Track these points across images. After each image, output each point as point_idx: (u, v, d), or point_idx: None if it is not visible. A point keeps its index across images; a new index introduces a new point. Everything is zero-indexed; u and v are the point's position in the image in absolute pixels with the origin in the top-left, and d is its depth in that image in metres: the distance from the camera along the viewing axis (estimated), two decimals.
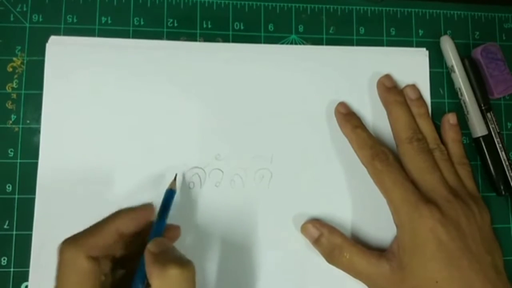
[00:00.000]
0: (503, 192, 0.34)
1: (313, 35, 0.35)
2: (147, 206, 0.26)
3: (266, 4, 0.35)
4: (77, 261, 0.22)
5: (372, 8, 0.36)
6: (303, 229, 0.31)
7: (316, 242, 0.31)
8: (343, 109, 0.33)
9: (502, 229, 0.34)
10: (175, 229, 0.28)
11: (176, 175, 0.30)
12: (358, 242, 0.31)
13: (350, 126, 0.32)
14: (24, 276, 0.30)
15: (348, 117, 0.32)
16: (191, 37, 0.34)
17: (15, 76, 0.32)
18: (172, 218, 0.31)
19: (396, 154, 0.32)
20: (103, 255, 0.23)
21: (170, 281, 0.22)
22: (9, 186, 0.31)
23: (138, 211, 0.26)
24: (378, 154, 0.30)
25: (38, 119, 0.31)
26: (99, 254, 0.23)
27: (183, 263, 0.22)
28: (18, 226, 0.31)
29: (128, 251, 0.26)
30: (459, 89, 0.34)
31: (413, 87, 0.34)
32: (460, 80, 0.34)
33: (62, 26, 0.33)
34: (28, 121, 0.32)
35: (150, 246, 0.24)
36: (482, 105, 0.34)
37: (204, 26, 0.34)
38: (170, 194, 0.29)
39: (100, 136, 0.31)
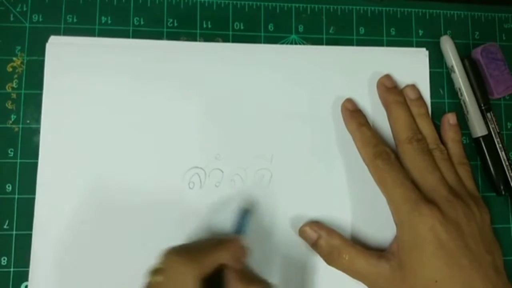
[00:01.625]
0: (503, 192, 0.34)
1: (313, 35, 0.35)
2: (239, 240, 0.26)
3: (266, 4, 0.35)
4: (190, 279, 0.21)
5: (372, 8, 0.36)
6: (301, 233, 0.31)
7: (315, 244, 0.31)
8: (350, 106, 0.33)
9: (502, 229, 0.34)
10: (247, 250, 0.27)
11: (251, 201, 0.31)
12: (358, 243, 0.31)
13: (355, 124, 0.32)
14: (24, 276, 0.30)
15: (354, 114, 0.32)
16: (191, 37, 0.34)
17: (15, 76, 0.32)
18: (172, 219, 0.31)
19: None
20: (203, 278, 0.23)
21: None
22: (9, 186, 0.31)
23: (237, 245, 0.25)
24: (381, 153, 0.30)
25: (38, 119, 0.31)
26: (205, 277, 0.22)
27: (267, 284, 0.23)
28: (18, 226, 0.31)
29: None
30: (459, 89, 0.34)
31: (413, 87, 0.34)
32: (460, 80, 0.34)
33: (62, 26, 0.33)
34: (28, 121, 0.32)
35: (234, 264, 0.24)
36: (482, 105, 0.34)
37: (204, 26, 0.34)
38: (246, 214, 0.29)
39: (100, 136, 0.31)
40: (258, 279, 0.23)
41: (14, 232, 0.31)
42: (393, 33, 0.35)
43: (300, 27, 0.35)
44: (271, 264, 0.31)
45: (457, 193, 0.30)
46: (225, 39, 0.34)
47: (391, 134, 0.33)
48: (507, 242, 0.34)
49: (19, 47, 0.32)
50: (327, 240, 0.30)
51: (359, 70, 0.34)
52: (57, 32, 0.32)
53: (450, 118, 0.33)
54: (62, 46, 0.32)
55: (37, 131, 0.31)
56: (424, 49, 0.35)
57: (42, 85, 0.31)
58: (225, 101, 0.33)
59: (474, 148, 0.35)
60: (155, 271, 0.23)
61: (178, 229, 0.31)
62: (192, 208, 0.31)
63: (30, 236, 0.30)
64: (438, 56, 0.35)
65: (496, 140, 0.34)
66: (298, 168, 0.32)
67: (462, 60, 0.34)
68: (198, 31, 0.34)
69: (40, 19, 0.33)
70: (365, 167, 0.31)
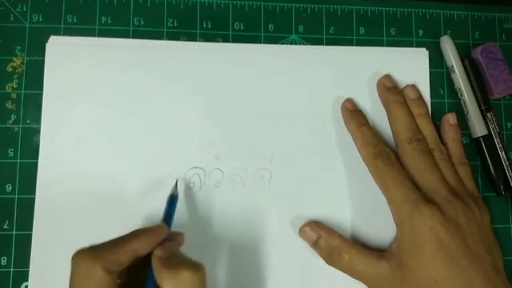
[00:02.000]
0: (503, 192, 0.34)
1: (313, 35, 0.35)
2: (162, 228, 0.26)
3: (266, 4, 0.35)
4: (95, 272, 0.22)
5: (372, 8, 0.36)
6: (301, 232, 0.31)
7: (315, 244, 0.31)
8: (350, 106, 0.33)
9: (502, 229, 0.34)
10: (180, 236, 0.28)
11: (176, 181, 0.30)
12: (358, 243, 0.31)
13: (355, 123, 0.32)
14: (24, 276, 0.30)
15: (354, 114, 0.32)
16: (191, 37, 0.34)
17: (15, 76, 0.32)
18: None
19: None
20: (117, 270, 0.23)
21: (183, 284, 0.22)
22: (9, 186, 0.31)
23: (154, 233, 0.25)
24: (381, 154, 0.30)
25: (38, 119, 0.31)
26: (114, 269, 0.23)
27: (195, 265, 0.23)
28: (18, 226, 0.31)
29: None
30: (459, 89, 0.34)
31: (413, 87, 0.34)
32: (460, 80, 0.34)
33: (62, 26, 0.33)
34: (28, 121, 0.32)
35: (158, 251, 0.24)
36: (482, 105, 0.34)
37: (204, 26, 0.34)
38: (172, 200, 0.29)
39: (100, 136, 0.31)
40: (187, 264, 0.23)
41: (14, 232, 0.31)
42: (393, 33, 0.35)
43: (300, 27, 0.35)
44: (271, 264, 0.31)
45: (457, 193, 0.30)
46: (225, 39, 0.34)
47: (391, 134, 0.33)
48: (507, 242, 0.34)
49: (19, 47, 0.32)
50: (327, 240, 0.30)
51: (359, 70, 0.34)
52: (57, 32, 0.32)
53: (450, 118, 0.33)
54: (62, 46, 0.32)
55: (37, 131, 0.31)
56: (424, 49, 0.35)
57: (42, 85, 0.31)
58: (225, 101, 0.33)
59: (474, 148, 0.35)
60: None
61: (178, 229, 0.31)
62: (192, 208, 0.31)
63: (30, 236, 0.30)
64: (438, 56, 0.35)
65: (496, 140, 0.34)
66: (298, 168, 0.32)
67: (462, 60, 0.34)
68: (198, 31, 0.34)
69: (40, 19, 0.33)
70: (365, 167, 0.31)
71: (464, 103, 0.34)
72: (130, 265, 0.24)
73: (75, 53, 0.32)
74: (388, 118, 0.33)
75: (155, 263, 0.23)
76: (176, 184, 0.30)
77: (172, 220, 0.28)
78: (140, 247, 0.24)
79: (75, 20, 0.33)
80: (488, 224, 0.30)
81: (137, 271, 0.25)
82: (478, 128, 0.34)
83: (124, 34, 0.33)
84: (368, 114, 0.34)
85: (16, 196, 0.31)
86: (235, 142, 0.32)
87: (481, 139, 0.34)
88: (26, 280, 0.30)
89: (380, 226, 0.32)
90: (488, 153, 0.34)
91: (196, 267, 0.23)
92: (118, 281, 0.24)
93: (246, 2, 0.34)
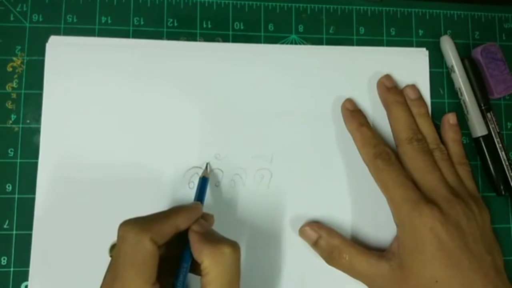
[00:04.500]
0: (503, 192, 0.34)
1: (313, 35, 0.35)
2: (198, 205, 0.28)
3: (266, 4, 0.35)
4: (143, 243, 0.23)
5: (372, 8, 0.36)
6: (301, 232, 0.31)
7: (315, 244, 0.31)
8: (350, 106, 0.33)
9: (502, 229, 0.34)
10: (211, 216, 0.29)
11: (207, 164, 0.31)
12: (358, 243, 0.31)
13: (355, 124, 0.32)
14: (24, 276, 0.30)
15: (354, 114, 0.32)
16: (191, 37, 0.34)
17: (15, 76, 0.32)
18: None
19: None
20: (162, 242, 0.24)
21: (223, 259, 0.23)
22: (9, 186, 0.31)
23: (193, 209, 0.26)
24: (381, 154, 0.30)
25: (38, 119, 0.31)
26: (160, 240, 0.23)
27: (234, 243, 0.24)
28: (18, 226, 0.31)
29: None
30: (459, 89, 0.34)
31: (413, 87, 0.34)
32: (460, 80, 0.34)
33: (62, 26, 0.33)
34: (28, 121, 0.32)
35: (196, 227, 0.25)
36: (482, 105, 0.34)
37: (204, 26, 0.34)
38: (204, 181, 0.30)
39: (100, 136, 0.31)
40: (226, 241, 0.24)
41: (14, 232, 0.31)
42: (393, 33, 0.35)
43: (300, 27, 0.35)
44: (271, 264, 0.31)
45: (457, 193, 0.30)
46: (225, 39, 0.34)
47: (391, 134, 0.33)
48: (507, 242, 0.34)
49: (19, 47, 0.32)
50: (327, 240, 0.30)
51: (359, 70, 0.34)
52: (57, 32, 0.32)
53: (450, 118, 0.33)
54: (62, 46, 0.32)
55: (37, 131, 0.31)
56: (424, 49, 0.35)
57: (42, 85, 0.31)
58: (225, 101, 0.33)
59: (474, 148, 0.35)
60: (113, 247, 0.24)
61: None
62: None
63: (30, 236, 0.30)
64: (438, 56, 0.35)
65: (496, 140, 0.34)
66: (298, 168, 0.32)
67: (462, 60, 0.34)
68: (198, 31, 0.34)
69: (40, 19, 0.33)
70: (365, 167, 0.31)
71: (464, 103, 0.34)
72: (167, 241, 0.24)
73: (75, 53, 0.32)
74: (388, 118, 0.33)
75: (193, 238, 0.24)
76: (206, 167, 0.31)
77: (204, 200, 0.29)
78: (181, 222, 0.25)
79: (75, 20, 0.33)
80: (488, 224, 0.30)
81: (172, 247, 0.25)
82: (478, 128, 0.34)
83: (124, 34, 0.33)
84: (368, 114, 0.34)
85: (16, 196, 0.31)
86: (235, 142, 0.32)
87: (481, 139, 0.34)
88: (26, 280, 0.30)
89: (380, 226, 0.32)
90: (488, 153, 0.34)
91: (234, 244, 0.24)
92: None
93: (246, 2, 0.34)
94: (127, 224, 0.24)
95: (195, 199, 0.29)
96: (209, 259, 0.23)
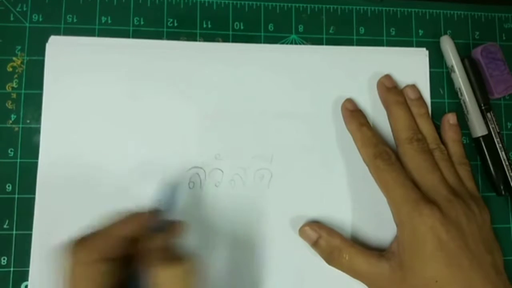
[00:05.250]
0: (503, 192, 0.34)
1: (313, 35, 0.35)
2: (150, 210, 0.26)
3: (266, 4, 0.35)
4: (92, 262, 0.22)
5: (372, 8, 0.36)
6: (301, 232, 0.31)
7: (315, 244, 0.31)
8: (350, 106, 0.33)
9: (502, 229, 0.34)
10: (179, 225, 0.28)
11: (177, 172, 0.31)
12: (358, 243, 0.31)
13: (356, 123, 0.32)
14: (24, 276, 0.30)
15: (354, 114, 0.32)
16: (191, 37, 0.34)
17: (15, 76, 0.32)
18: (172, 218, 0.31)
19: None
20: (111, 258, 0.23)
21: (173, 277, 0.22)
22: (9, 186, 0.31)
23: (142, 215, 0.25)
24: (381, 154, 0.30)
25: (38, 119, 0.31)
26: (109, 256, 0.23)
27: (186, 258, 0.23)
28: (18, 226, 0.31)
29: (126, 252, 0.26)
30: (459, 89, 0.34)
31: (413, 87, 0.34)
32: (460, 80, 0.34)
33: (62, 26, 0.33)
34: (28, 121, 0.32)
35: (151, 243, 0.24)
36: (482, 105, 0.34)
37: (204, 26, 0.34)
38: (171, 190, 0.29)
39: (100, 136, 0.31)
40: (178, 256, 0.23)
41: (14, 232, 0.31)
42: (393, 33, 0.35)
43: (300, 27, 0.35)
44: (271, 264, 0.31)
45: (457, 193, 0.30)
46: (225, 39, 0.34)
47: (391, 134, 0.33)
48: (507, 242, 0.34)
49: (19, 47, 0.32)
50: (327, 240, 0.30)
51: (359, 70, 0.34)
52: (57, 32, 0.32)
53: (450, 118, 0.33)
54: (62, 46, 0.32)
55: (37, 131, 0.31)
56: (424, 49, 0.35)
57: (42, 85, 0.31)
58: (225, 101, 0.33)
59: (474, 148, 0.35)
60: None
61: None
62: (192, 208, 0.31)
63: (30, 236, 0.30)
64: (438, 56, 0.35)
65: (496, 140, 0.34)
66: (298, 168, 0.32)
67: (462, 60, 0.34)
68: (198, 31, 0.34)
69: (40, 19, 0.33)
70: (365, 167, 0.31)
71: (464, 103, 0.34)
72: (129, 252, 0.24)
73: (75, 53, 0.32)
74: (388, 118, 0.33)
75: (146, 254, 0.23)
76: (176, 176, 0.30)
77: (171, 209, 0.28)
78: (128, 231, 0.24)
79: (75, 20, 0.33)
80: (488, 224, 0.30)
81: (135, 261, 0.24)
82: (478, 128, 0.34)
83: (124, 34, 0.33)
84: (368, 114, 0.34)
85: (16, 196, 0.31)
86: (235, 142, 0.32)
87: (481, 139, 0.34)
88: (26, 280, 0.30)
89: (380, 226, 0.32)
90: (488, 153, 0.34)
91: (187, 259, 0.23)
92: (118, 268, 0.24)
93: (246, 2, 0.34)
94: (74, 244, 0.23)
95: (157, 211, 0.27)
96: (160, 277, 0.22)
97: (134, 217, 0.25)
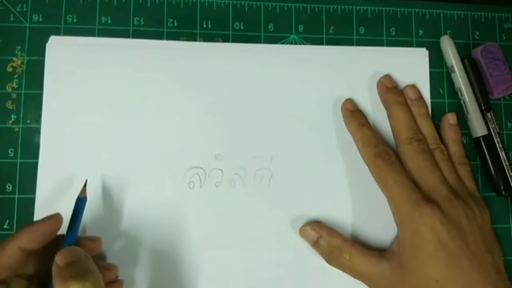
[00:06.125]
0: (503, 192, 0.34)
1: (313, 35, 0.35)
2: (53, 218, 0.25)
3: (266, 4, 0.35)
4: None
5: (372, 8, 0.36)
6: (302, 232, 0.31)
7: (315, 244, 0.31)
8: (350, 106, 0.33)
9: (502, 229, 0.34)
10: (93, 240, 0.27)
11: (86, 181, 0.29)
12: (358, 243, 0.31)
13: (356, 123, 0.32)
14: None
15: (354, 114, 0.33)
16: (191, 37, 0.34)
17: (15, 76, 0.32)
18: (172, 218, 0.31)
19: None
20: (13, 275, 0.23)
21: None
22: (9, 186, 0.31)
23: (41, 225, 0.25)
24: (381, 153, 0.30)
25: (38, 119, 0.31)
26: (6, 276, 0.22)
27: (85, 276, 0.22)
28: (18, 226, 0.31)
29: (45, 267, 0.25)
30: (459, 89, 0.34)
31: (413, 87, 0.34)
32: (460, 80, 0.34)
33: (62, 26, 0.33)
34: (28, 121, 0.32)
35: (56, 258, 0.23)
36: (482, 105, 0.34)
37: (204, 26, 0.34)
38: (80, 202, 0.27)
39: (100, 136, 0.31)
40: (78, 275, 0.22)
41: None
42: (393, 33, 0.35)
43: (300, 27, 0.35)
44: (271, 264, 0.31)
45: (457, 193, 0.30)
46: (225, 39, 0.34)
47: (391, 134, 0.33)
48: (507, 242, 0.34)
49: (19, 47, 0.32)
50: (327, 240, 0.30)
51: (359, 70, 0.34)
52: (57, 32, 0.32)
53: (450, 118, 0.33)
54: (62, 46, 0.32)
55: (37, 131, 0.31)
56: (424, 49, 0.35)
57: (42, 85, 0.31)
58: (225, 101, 0.33)
59: (474, 148, 0.35)
60: None
61: (178, 229, 0.31)
62: (192, 208, 0.31)
63: None
64: (438, 56, 0.35)
65: (496, 140, 0.34)
66: (298, 168, 0.32)
67: (462, 60, 0.34)
68: (198, 31, 0.34)
69: (40, 19, 0.33)
70: (366, 167, 0.31)
71: (464, 103, 0.34)
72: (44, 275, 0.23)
73: (75, 53, 0.32)
74: (389, 118, 0.33)
75: (53, 272, 0.23)
76: (85, 185, 0.28)
77: (79, 223, 0.27)
78: (26, 243, 0.23)
79: (75, 20, 0.33)
80: (489, 224, 0.30)
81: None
82: (478, 128, 0.34)
83: (124, 34, 0.33)
84: (368, 114, 0.34)
85: (16, 196, 0.31)
86: (235, 142, 0.32)
87: (481, 139, 0.34)
88: None
89: (380, 226, 0.32)
90: (488, 153, 0.34)
91: (86, 278, 0.22)
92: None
93: (246, 2, 0.34)
94: None
95: (68, 224, 0.26)
96: None
97: (30, 227, 0.24)
